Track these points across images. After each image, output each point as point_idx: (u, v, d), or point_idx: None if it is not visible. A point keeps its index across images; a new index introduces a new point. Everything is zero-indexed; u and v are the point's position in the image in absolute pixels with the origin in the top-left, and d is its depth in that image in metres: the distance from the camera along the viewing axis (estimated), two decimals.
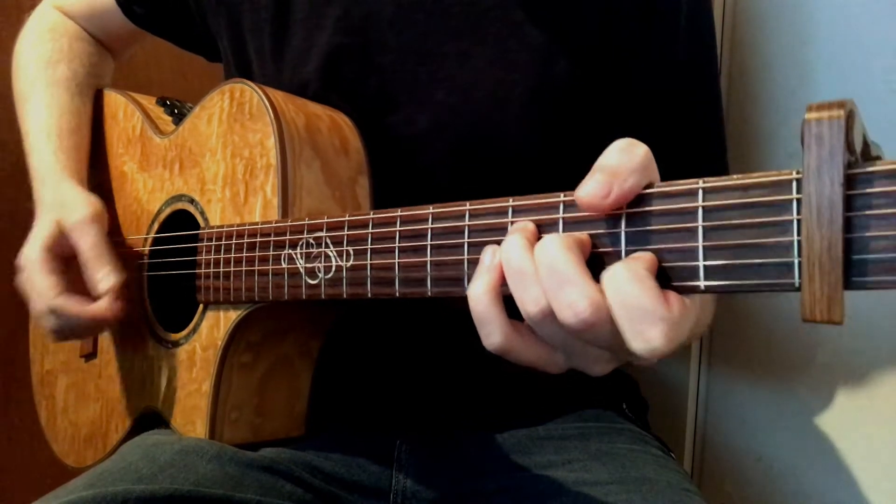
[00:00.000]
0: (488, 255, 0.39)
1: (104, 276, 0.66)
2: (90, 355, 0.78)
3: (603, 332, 0.35)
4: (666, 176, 0.37)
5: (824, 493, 0.80)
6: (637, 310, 0.33)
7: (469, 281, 0.40)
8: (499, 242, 0.40)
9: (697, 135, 0.67)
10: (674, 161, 0.44)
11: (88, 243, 0.67)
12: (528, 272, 0.37)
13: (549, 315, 0.36)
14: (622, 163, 0.36)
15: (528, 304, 0.37)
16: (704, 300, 0.44)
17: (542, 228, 0.39)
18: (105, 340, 0.76)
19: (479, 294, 0.38)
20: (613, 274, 0.34)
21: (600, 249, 0.37)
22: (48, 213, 0.70)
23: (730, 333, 0.90)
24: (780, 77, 0.83)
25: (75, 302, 0.66)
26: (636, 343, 0.33)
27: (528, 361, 0.40)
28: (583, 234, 0.37)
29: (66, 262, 0.69)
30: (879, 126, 0.47)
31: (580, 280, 0.35)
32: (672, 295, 0.34)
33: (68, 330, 0.68)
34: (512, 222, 0.40)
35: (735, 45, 0.79)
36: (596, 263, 0.37)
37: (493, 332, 0.38)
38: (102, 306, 0.66)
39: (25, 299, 0.70)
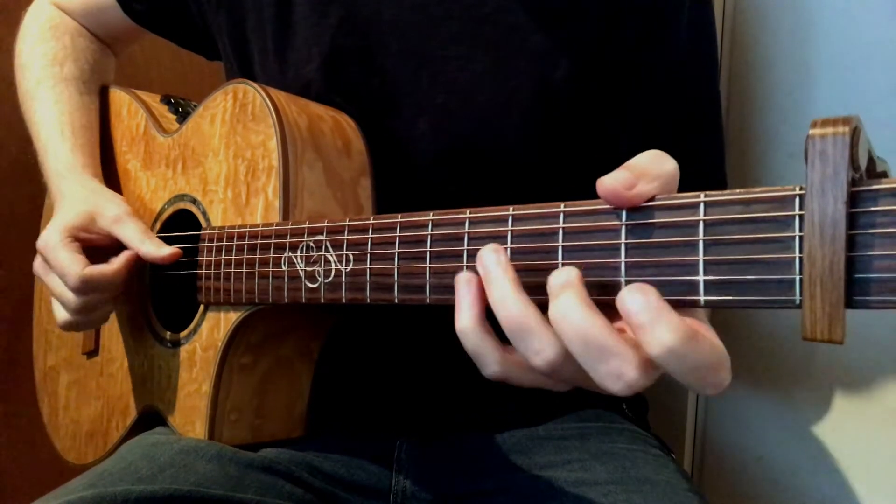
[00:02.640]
0: (464, 286, 0.39)
1: (162, 246, 0.66)
2: (92, 352, 0.78)
3: (571, 369, 0.35)
4: None
5: (824, 493, 0.80)
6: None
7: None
8: None
9: (697, 140, 0.67)
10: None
11: (134, 230, 0.67)
12: (530, 326, 0.36)
13: (560, 362, 0.36)
14: (652, 166, 0.36)
15: (534, 357, 0.36)
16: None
17: (540, 238, 0.39)
18: (107, 338, 0.76)
19: (467, 330, 0.38)
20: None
21: (601, 261, 0.36)
22: (79, 205, 0.69)
23: (730, 334, 0.90)
24: (779, 77, 0.82)
25: (105, 268, 0.65)
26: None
27: (531, 384, 0.39)
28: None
29: (86, 252, 0.68)
30: (879, 126, 0.47)
31: (621, 349, 0.33)
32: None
33: (97, 302, 0.67)
34: (512, 231, 0.40)
35: (735, 45, 0.79)
36: (595, 275, 0.36)
37: (489, 363, 0.38)
38: (128, 254, 0.66)
39: (42, 283, 0.68)
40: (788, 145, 0.82)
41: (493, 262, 0.37)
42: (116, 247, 0.68)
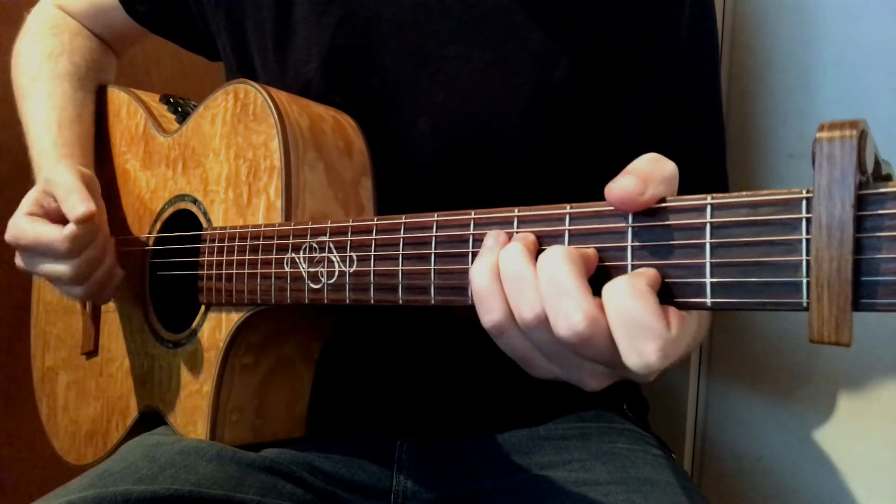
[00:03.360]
0: (492, 238, 0.40)
1: (77, 202, 0.63)
2: (91, 353, 0.78)
3: (598, 346, 0.35)
4: None
5: (824, 493, 0.80)
6: (635, 325, 0.33)
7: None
8: None
9: (698, 139, 0.67)
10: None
11: (63, 185, 0.65)
12: (527, 278, 0.37)
13: (544, 322, 0.36)
14: (654, 170, 0.36)
15: (524, 308, 0.37)
16: (701, 316, 0.44)
17: (545, 240, 0.39)
18: (106, 338, 0.76)
19: (482, 270, 0.39)
20: (614, 287, 0.34)
21: (606, 263, 0.36)
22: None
23: (730, 334, 0.90)
24: (779, 77, 0.83)
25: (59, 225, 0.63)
26: (631, 358, 0.34)
27: (517, 352, 0.40)
28: (589, 249, 0.37)
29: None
30: (880, 126, 0.47)
31: (578, 293, 0.35)
32: (672, 312, 0.34)
33: (93, 262, 0.65)
34: (517, 232, 0.40)
35: (735, 45, 0.79)
36: (602, 277, 0.36)
37: (493, 308, 0.39)
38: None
39: (34, 276, 0.66)
40: (788, 146, 0.82)
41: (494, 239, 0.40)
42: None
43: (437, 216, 0.44)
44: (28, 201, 0.67)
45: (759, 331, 0.86)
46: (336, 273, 0.50)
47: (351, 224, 0.49)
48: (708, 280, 0.33)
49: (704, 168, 0.68)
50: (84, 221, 0.62)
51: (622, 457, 0.65)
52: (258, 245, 0.56)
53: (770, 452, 0.85)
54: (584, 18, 0.63)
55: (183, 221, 0.68)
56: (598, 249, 0.37)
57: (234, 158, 0.62)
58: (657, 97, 0.65)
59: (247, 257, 0.57)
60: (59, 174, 0.66)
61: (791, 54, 0.81)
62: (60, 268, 0.65)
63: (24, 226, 0.65)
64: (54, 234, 0.63)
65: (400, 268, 0.45)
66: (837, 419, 0.78)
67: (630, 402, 0.77)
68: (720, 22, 0.87)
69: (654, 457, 0.67)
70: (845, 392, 0.77)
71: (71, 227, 0.63)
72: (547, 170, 0.66)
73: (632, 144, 0.64)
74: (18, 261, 0.68)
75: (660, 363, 0.34)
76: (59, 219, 0.66)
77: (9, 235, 0.67)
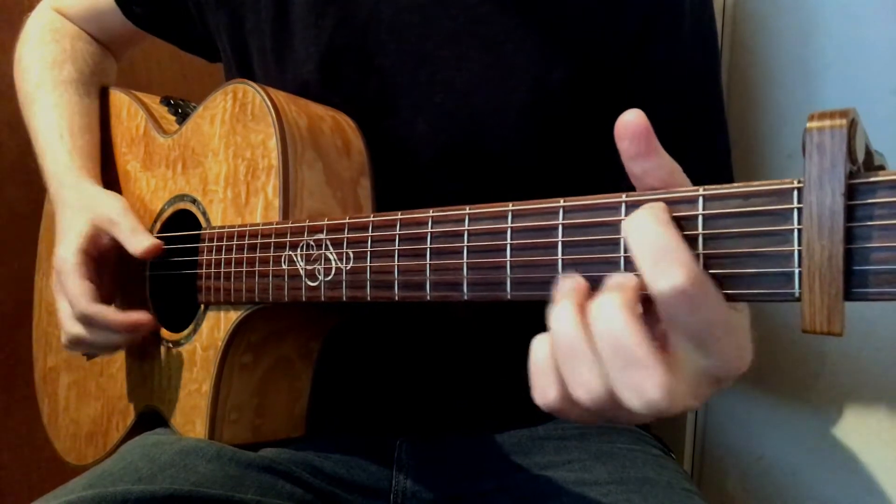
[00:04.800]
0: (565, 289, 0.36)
1: (143, 239, 0.66)
2: (92, 353, 0.78)
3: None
4: None
5: (824, 493, 0.80)
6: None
7: (467, 286, 0.40)
8: (498, 248, 0.40)
9: (703, 139, 0.67)
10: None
11: (127, 228, 0.67)
12: (581, 350, 0.33)
13: (606, 401, 0.33)
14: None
15: (578, 388, 0.34)
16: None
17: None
18: None
19: (542, 340, 0.36)
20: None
21: (599, 256, 0.36)
22: (80, 214, 0.70)
23: None
24: (779, 77, 0.83)
25: (110, 310, 0.66)
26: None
27: (568, 418, 0.37)
28: (636, 291, 0.33)
29: (100, 265, 0.69)
30: (879, 126, 0.47)
31: (650, 361, 0.31)
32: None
33: (93, 341, 0.68)
34: (511, 227, 0.40)
35: (735, 45, 0.79)
36: (598, 271, 0.36)
37: (549, 388, 0.35)
38: (139, 316, 0.66)
39: (55, 302, 0.69)
40: (788, 146, 0.82)
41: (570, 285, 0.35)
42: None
43: (433, 212, 0.44)
44: (84, 236, 0.68)
45: (758, 331, 0.86)
46: (333, 270, 0.50)
47: (347, 221, 0.49)
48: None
49: (711, 168, 0.67)
50: (149, 255, 0.66)
51: (622, 457, 0.65)
52: (256, 244, 0.57)
53: (770, 452, 0.85)
54: (582, 19, 0.64)
55: (183, 221, 0.68)
56: (592, 243, 0.37)
57: (233, 158, 0.62)
58: (659, 97, 0.65)
59: (245, 256, 0.58)
60: (114, 212, 0.68)
61: (791, 54, 0.81)
62: (75, 323, 0.67)
63: (70, 276, 0.67)
64: (79, 301, 0.65)
65: (396, 264, 0.45)
66: (837, 419, 0.78)
67: None
68: (720, 22, 0.87)
69: (654, 457, 0.67)
70: (845, 392, 0.77)
71: (134, 319, 0.66)
72: (546, 170, 0.66)
73: None
74: (54, 284, 0.70)
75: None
76: (106, 255, 0.69)
77: (57, 262, 0.68)
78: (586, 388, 0.33)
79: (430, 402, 0.70)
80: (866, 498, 0.76)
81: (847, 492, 0.77)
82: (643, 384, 0.31)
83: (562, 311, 0.34)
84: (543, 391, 0.35)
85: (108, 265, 0.69)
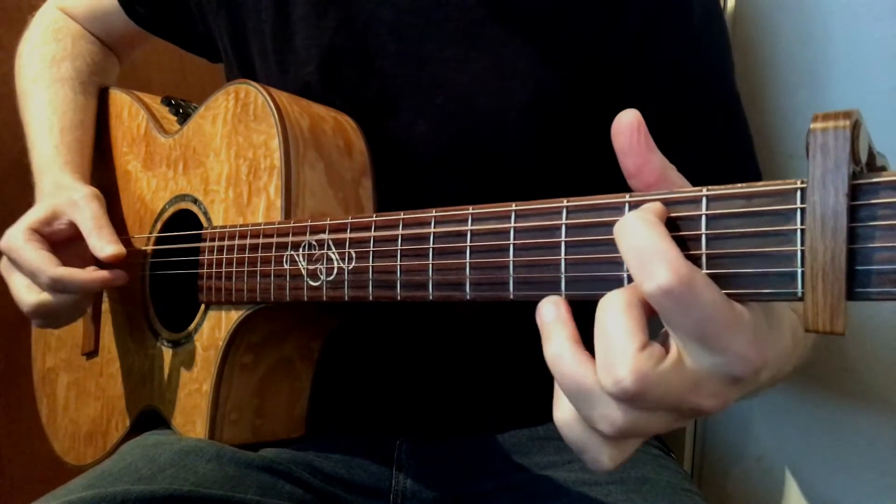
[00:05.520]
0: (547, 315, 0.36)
1: (108, 244, 0.66)
2: (91, 353, 0.78)
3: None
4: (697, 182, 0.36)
5: (824, 493, 0.80)
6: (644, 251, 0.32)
7: (470, 286, 0.40)
8: (501, 248, 0.40)
9: (724, 134, 0.66)
10: (700, 165, 0.44)
11: (88, 215, 0.67)
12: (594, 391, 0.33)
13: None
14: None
15: (600, 424, 0.33)
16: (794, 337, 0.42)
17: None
18: (107, 339, 0.76)
19: (570, 422, 0.35)
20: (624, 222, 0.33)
21: (602, 256, 0.37)
22: (45, 200, 0.70)
23: None
24: (780, 77, 0.83)
25: (78, 271, 0.65)
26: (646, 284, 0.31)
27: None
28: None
29: (53, 245, 0.68)
30: (880, 126, 0.47)
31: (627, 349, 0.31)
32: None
33: (59, 305, 0.67)
34: (515, 227, 0.40)
35: (735, 45, 0.79)
36: (602, 272, 0.36)
37: (596, 457, 0.36)
38: (108, 273, 0.65)
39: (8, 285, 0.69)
40: (789, 146, 0.82)
41: (553, 316, 0.35)
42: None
43: (435, 212, 0.44)
44: (36, 217, 0.68)
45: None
46: (335, 270, 0.50)
47: (350, 221, 0.49)
48: (704, 272, 0.33)
49: (734, 162, 0.66)
50: (111, 261, 0.65)
51: None
52: (257, 243, 0.57)
53: (770, 452, 0.85)
54: (583, 19, 0.63)
55: (184, 221, 0.68)
56: (595, 243, 0.37)
57: (235, 158, 0.62)
58: (661, 97, 0.65)
59: (246, 255, 0.58)
60: (79, 195, 0.68)
61: (792, 54, 0.81)
62: (42, 295, 0.66)
63: (24, 249, 0.66)
64: (43, 268, 0.65)
65: (398, 264, 0.45)
66: (838, 419, 0.78)
67: None
68: None
69: (653, 457, 0.67)
70: (845, 392, 0.77)
71: (102, 276, 0.65)
72: (546, 171, 0.66)
73: None
74: (2, 265, 0.69)
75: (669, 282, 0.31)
76: (61, 241, 0.68)
77: (3, 243, 0.68)
78: (608, 422, 0.33)
79: (431, 402, 0.70)
80: (866, 498, 0.76)
81: (847, 492, 0.77)
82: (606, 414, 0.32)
83: (561, 351, 0.34)
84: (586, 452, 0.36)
85: (70, 249, 0.69)
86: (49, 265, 0.65)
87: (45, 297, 0.66)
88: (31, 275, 0.66)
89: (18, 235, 0.67)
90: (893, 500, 0.73)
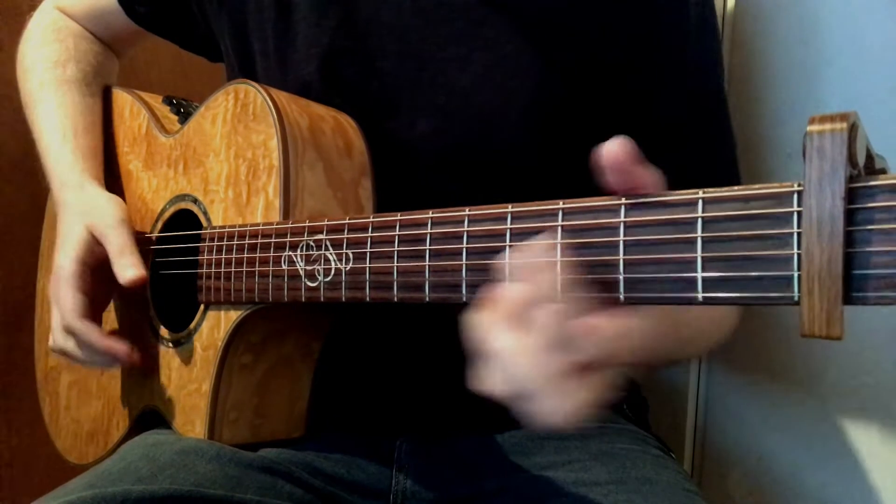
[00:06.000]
0: None
1: (129, 266, 0.66)
2: None
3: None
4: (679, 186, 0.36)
5: (824, 493, 0.80)
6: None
7: (466, 288, 0.39)
8: (497, 249, 0.40)
9: (707, 138, 0.67)
10: (684, 168, 0.44)
11: (118, 244, 0.68)
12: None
13: None
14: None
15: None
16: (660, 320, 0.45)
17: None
18: None
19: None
20: None
21: (599, 258, 0.36)
22: (78, 219, 0.71)
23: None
24: (779, 77, 0.82)
25: (95, 330, 0.67)
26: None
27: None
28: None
29: (97, 271, 0.70)
30: (880, 126, 0.47)
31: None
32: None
33: (76, 353, 0.69)
34: (511, 229, 0.40)
35: (735, 45, 0.79)
36: (598, 273, 0.36)
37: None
38: (120, 347, 0.67)
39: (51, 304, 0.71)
40: (787, 146, 0.82)
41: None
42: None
43: (433, 213, 0.44)
44: (82, 244, 0.69)
45: (759, 331, 0.86)
46: (332, 271, 0.50)
47: (347, 222, 0.49)
48: (700, 275, 0.33)
49: (716, 166, 0.67)
50: (130, 286, 0.66)
51: (622, 457, 0.65)
52: (256, 244, 0.57)
53: (770, 452, 0.85)
54: (584, 20, 0.63)
55: (184, 221, 0.68)
56: (591, 245, 0.37)
57: (234, 158, 0.62)
58: (661, 96, 0.65)
59: (245, 256, 0.58)
60: (111, 218, 0.69)
61: (790, 54, 0.81)
62: (62, 332, 0.69)
63: (62, 286, 0.68)
64: (72, 314, 0.67)
65: (395, 265, 0.45)
66: (837, 419, 0.78)
67: (630, 401, 0.76)
68: (720, 22, 0.87)
69: (653, 457, 0.67)
70: (845, 392, 0.77)
71: (112, 347, 0.67)
72: (547, 172, 0.66)
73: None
74: (50, 289, 0.71)
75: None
76: (104, 261, 0.69)
77: (55, 269, 0.70)
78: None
79: (431, 402, 0.70)
80: (867, 498, 0.76)
81: (847, 492, 0.77)
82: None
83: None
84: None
85: (106, 269, 0.70)
86: (73, 312, 0.67)
87: (66, 341, 0.69)
88: (60, 314, 0.68)
89: (67, 267, 0.68)
90: (892, 501, 0.73)
